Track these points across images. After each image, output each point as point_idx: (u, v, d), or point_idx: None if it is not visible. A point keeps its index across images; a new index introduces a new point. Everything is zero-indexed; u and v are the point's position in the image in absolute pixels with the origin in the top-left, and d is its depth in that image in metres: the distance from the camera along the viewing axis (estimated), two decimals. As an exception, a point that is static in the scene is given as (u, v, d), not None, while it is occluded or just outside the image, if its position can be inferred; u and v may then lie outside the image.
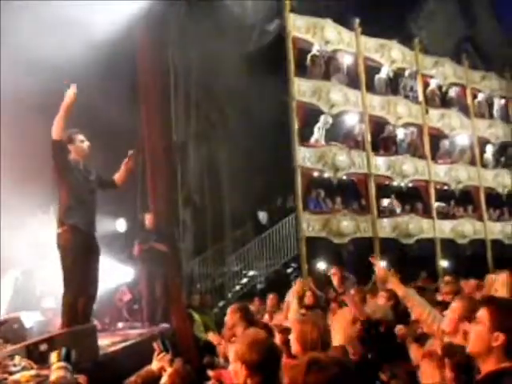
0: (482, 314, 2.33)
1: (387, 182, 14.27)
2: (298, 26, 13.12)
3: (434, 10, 20.97)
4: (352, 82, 13.88)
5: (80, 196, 5.42)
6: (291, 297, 4.92)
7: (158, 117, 9.00)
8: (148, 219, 8.70)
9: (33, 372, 4.06)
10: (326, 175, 13.09)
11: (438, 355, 2.86)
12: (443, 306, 4.34)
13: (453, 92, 16.34)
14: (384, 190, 14.43)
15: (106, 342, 5.63)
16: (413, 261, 13.85)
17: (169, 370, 3.15)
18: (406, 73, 15.21)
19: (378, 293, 6.00)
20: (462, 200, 16.00)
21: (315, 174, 13.05)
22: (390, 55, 14.66)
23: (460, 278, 9.17)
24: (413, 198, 15.04)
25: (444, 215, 15.29)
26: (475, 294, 6.47)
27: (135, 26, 8.60)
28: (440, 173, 15.22)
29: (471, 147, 16.27)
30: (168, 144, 9.47)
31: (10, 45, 7.64)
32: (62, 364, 3.19)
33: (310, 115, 13.05)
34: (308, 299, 6.48)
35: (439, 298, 6.59)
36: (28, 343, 4.61)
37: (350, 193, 14.31)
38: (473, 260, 15.10)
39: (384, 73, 14.69)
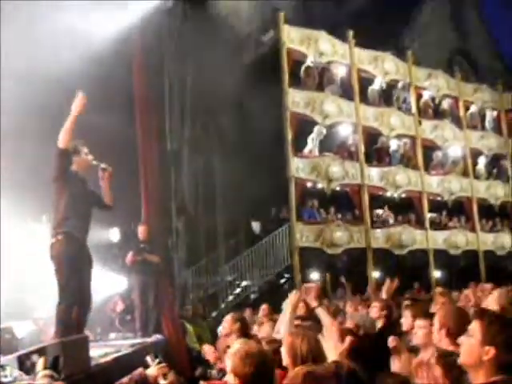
0: (474, 327, 2.35)
1: (380, 193, 14.32)
2: (293, 37, 13.19)
3: (427, 22, 21.19)
4: (346, 93, 13.95)
5: (78, 207, 5.41)
6: (286, 308, 4.90)
7: (153, 126, 9.00)
8: (140, 230, 8.67)
9: (24, 383, 4.03)
10: (319, 186, 13.12)
11: (431, 364, 2.87)
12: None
13: (446, 104, 16.46)
14: (377, 200, 14.48)
15: (98, 353, 5.59)
16: (406, 271, 13.87)
17: (162, 382, 3.14)
18: (400, 84, 15.30)
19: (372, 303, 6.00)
20: (455, 211, 16.07)
21: (309, 184, 13.09)
22: (384, 67, 14.75)
23: (452, 289, 9.23)
24: (406, 208, 15.10)
25: (437, 226, 15.35)
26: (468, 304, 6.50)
27: (131, 37, 8.62)
28: (433, 184, 15.29)
29: (464, 158, 16.37)
30: (162, 153, 9.47)
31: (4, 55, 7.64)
32: (48, 372, 3.18)
33: (304, 126, 13.11)
34: (300, 310, 6.46)
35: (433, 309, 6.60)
36: (20, 354, 4.58)
37: (344, 203, 14.36)
38: (465, 271, 15.15)
39: (377, 84, 14.78)
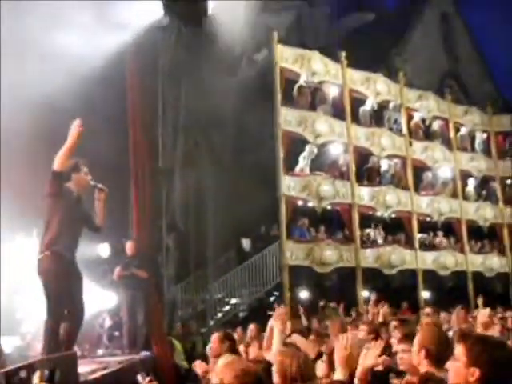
0: (458, 350, 2.39)
1: (371, 213, 14.38)
2: (286, 56, 13.31)
3: (419, 44, 21.47)
4: (337, 113, 14.07)
5: (69, 225, 5.39)
6: (273, 325, 4.91)
7: (145, 142, 9.03)
8: (128, 246, 8.66)
9: (11, 399, 4.01)
10: (310, 204, 13.17)
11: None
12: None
13: (436, 125, 16.62)
14: (367, 220, 14.54)
15: (86, 369, 5.57)
16: (395, 291, 13.92)
17: None
18: (391, 105, 15.46)
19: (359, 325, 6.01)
20: (444, 232, 16.15)
21: (299, 202, 13.13)
22: (375, 88, 14.90)
23: (441, 310, 9.26)
24: (395, 228, 15.17)
25: (426, 247, 15.41)
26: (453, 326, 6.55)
27: (126, 54, 8.68)
28: (422, 204, 15.38)
29: (453, 180, 16.49)
30: (154, 169, 9.49)
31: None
32: None
33: (296, 145, 13.19)
34: (289, 328, 6.47)
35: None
36: (7, 370, 4.55)
37: (334, 222, 14.41)
38: (454, 292, 15.21)
39: (369, 105, 14.92)
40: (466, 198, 16.70)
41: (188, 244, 13.37)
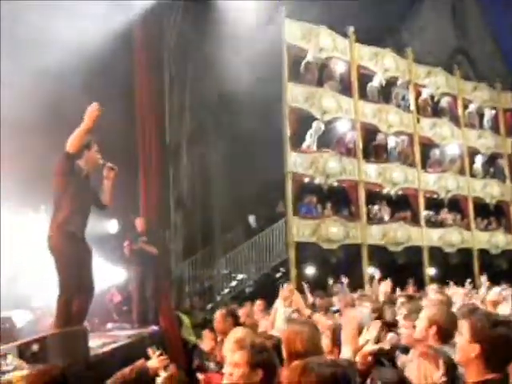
0: (463, 325, 2.44)
1: (377, 190, 14.39)
2: (294, 31, 13.24)
3: (428, 19, 21.17)
4: (345, 89, 14.00)
5: (79, 203, 5.42)
6: (278, 303, 4.97)
7: (152, 120, 9.05)
8: (138, 223, 8.72)
9: (25, 372, 4.09)
10: (316, 181, 13.18)
11: (433, 356, 2.93)
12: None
13: (444, 102, 16.52)
14: (374, 197, 14.55)
15: (96, 343, 5.67)
16: (400, 268, 13.97)
17: (163, 374, 3.20)
18: (399, 82, 15.36)
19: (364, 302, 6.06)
20: (451, 209, 16.15)
21: (306, 179, 13.15)
22: (383, 64, 14.80)
23: (446, 286, 9.31)
24: (402, 205, 15.17)
25: (432, 223, 15.43)
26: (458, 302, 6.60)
27: (132, 30, 8.65)
28: (429, 181, 15.38)
29: (461, 157, 16.46)
30: (161, 147, 9.50)
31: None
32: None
33: (303, 121, 13.15)
34: (295, 304, 6.54)
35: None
36: (20, 343, 4.64)
37: (341, 199, 14.42)
38: (460, 268, 15.25)
39: (377, 81, 14.83)
40: (473, 175, 16.68)
41: (195, 220, 13.42)
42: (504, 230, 16.83)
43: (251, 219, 15.26)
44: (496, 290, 4.54)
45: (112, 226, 11.27)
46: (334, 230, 12.96)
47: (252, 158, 12.84)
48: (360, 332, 3.25)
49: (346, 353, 2.95)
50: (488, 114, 17.67)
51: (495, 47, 24.29)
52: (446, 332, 3.28)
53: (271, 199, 14.80)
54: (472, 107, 17.28)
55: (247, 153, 12.81)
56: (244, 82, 12.19)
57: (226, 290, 13.71)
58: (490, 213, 17.00)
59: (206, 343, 5.79)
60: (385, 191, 14.52)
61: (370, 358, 3.05)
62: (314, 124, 13.30)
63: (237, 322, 5.09)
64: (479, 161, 17.09)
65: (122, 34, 8.54)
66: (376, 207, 14.71)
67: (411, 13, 21.05)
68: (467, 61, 22.02)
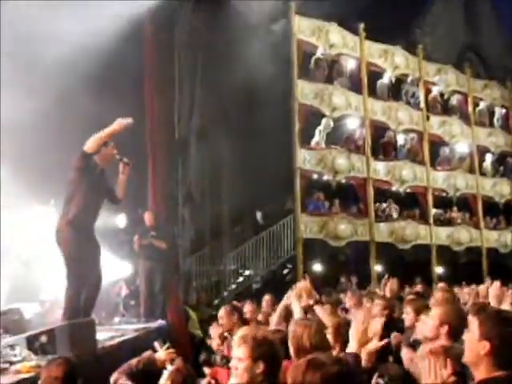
0: (473, 323, 2.42)
1: (386, 187, 14.35)
2: (303, 28, 13.19)
3: (439, 16, 21.06)
4: (354, 86, 13.95)
5: (91, 199, 5.46)
6: (292, 301, 4.94)
7: (162, 114, 9.06)
8: (147, 217, 8.75)
9: (33, 363, 4.13)
10: (325, 178, 13.17)
11: (443, 354, 2.91)
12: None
13: (454, 100, 16.43)
14: (382, 194, 14.51)
15: (103, 336, 5.71)
16: (408, 266, 13.94)
17: (170, 367, 3.21)
18: (409, 79, 15.28)
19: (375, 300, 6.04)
20: (460, 207, 16.08)
21: (314, 176, 13.13)
22: (394, 61, 14.73)
23: (454, 285, 9.29)
24: (410, 203, 15.13)
25: (441, 222, 15.37)
26: (469, 301, 6.58)
27: (142, 24, 8.66)
28: (438, 179, 15.31)
29: (471, 155, 16.36)
30: (170, 141, 9.52)
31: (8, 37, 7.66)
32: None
33: (312, 118, 13.13)
34: (304, 301, 6.52)
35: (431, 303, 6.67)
36: (28, 334, 4.69)
37: (349, 196, 14.40)
38: (468, 267, 15.20)
39: (386, 78, 14.77)
40: (482, 173, 16.58)
41: (203, 216, 13.45)
42: (513, 229, 16.75)
43: (259, 215, 15.27)
44: (496, 284, 4.51)
45: (120, 220, 11.32)
46: (342, 227, 12.93)
47: (261, 154, 12.83)
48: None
49: (352, 348, 2.96)
50: (498, 112, 17.56)
51: (506, 45, 24.12)
52: (457, 330, 3.27)
53: (280, 195, 14.80)
54: (482, 105, 17.17)
55: (256, 148, 12.80)
56: (254, 78, 12.20)
57: (233, 286, 13.73)
58: (499, 212, 16.90)
59: (212, 338, 5.80)
60: (393, 189, 14.47)
61: (374, 355, 3.06)
62: (323, 121, 13.28)
63: (242, 318, 5.10)
64: (489, 159, 16.99)
65: (133, 30, 8.55)
66: (384, 205, 14.68)
67: (422, 10, 20.95)
68: (478, 58, 21.91)
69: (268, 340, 2.86)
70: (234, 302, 7.08)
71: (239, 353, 2.74)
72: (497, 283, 4.43)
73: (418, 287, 10.55)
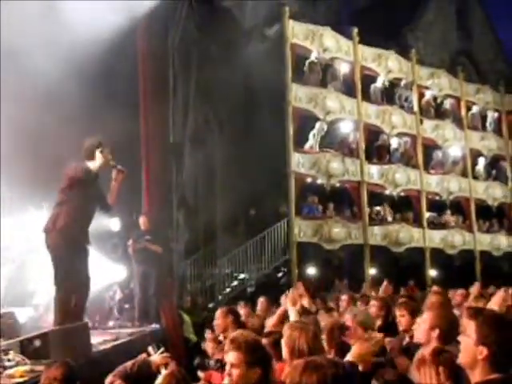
0: (470, 326, 2.41)
1: (379, 191, 14.39)
2: (297, 32, 13.22)
3: (432, 21, 21.18)
4: (348, 90, 14.00)
5: (84, 208, 5.44)
6: (287, 304, 4.95)
7: (156, 118, 9.07)
8: (142, 221, 8.74)
9: (27, 367, 4.12)
10: (319, 181, 13.19)
11: (433, 361, 2.92)
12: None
13: (447, 104, 16.51)
14: (376, 198, 14.55)
15: (98, 340, 5.69)
16: (402, 269, 13.99)
17: (164, 371, 3.21)
18: (402, 83, 15.35)
19: (370, 301, 6.07)
20: (453, 211, 16.14)
21: (309, 179, 13.15)
22: (387, 65, 14.80)
23: (448, 288, 9.31)
24: (404, 206, 15.17)
25: (434, 225, 15.42)
26: (462, 304, 6.60)
27: (136, 29, 8.66)
28: (432, 183, 15.36)
29: (463, 159, 16.44)
30: (164, 145, 9.53)
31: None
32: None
33: (306, 121, 13.16)
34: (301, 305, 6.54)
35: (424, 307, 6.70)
36: (22, 338, 4.66)
37: (343, 200, 14.42)
38: (461, 270, 15.25)
39: (380, 82, 14.83)
40: (475, 177, 16.67)
41: (197, 219, 13.45)
42: (506, 232, 16.82)
43: (253, 219, 15.27)
44: (500, 293, 4.54)
45: (114, 223, 11.29)
46: (336, 231, 12.96)
47: (255, 158, 12.86)
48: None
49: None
50: (491, 116, 17.66)
51: (499, 50, 24.28)
52: (448, 334, 3.28)
53: (274, 199, 14.81)
54: (475, 109, 17.27)
55: (250, 152, 12.82)
56: (248, 82, 12.23)
57: (228, 290, 13.72)
58: (492, 215, 16.98)
59: (209, 344, 5.81)
60: (387, 192, 14.51)
61: (370, 360, 3.07)
62: (317, 124, 13.31)
63: (238, 321, 5.10)
64: (482, 163, 17.08)
65: (127, 35, 8.55)
66: (378, 208, 14.72)
67: (415, 15, 21.06)
68: (470, 63, 22.02)
69: (261, 344, 2.88)
70: (232, 306, 7.08)
71: (232, 358, 2.76)
72: (501, 292, 4.45)
73: (408, 290, 10.59)
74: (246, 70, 12.65)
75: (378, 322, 5.41)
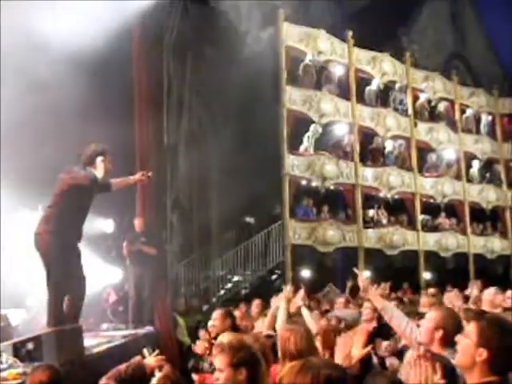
0: (471, 328, 2.40)
1: (374, 193, 14.40)
2: (292, 34, 13.22)
3: (426, 24, 21.27)
4: (343, 92, 14.01)
5: (78, 213, 5.41)
6: (279, 304, 4.96)
7: (151, 119, 9.03)
8: (137, 223, 8.72)
9: (20, 370, 4.09)
10: (313, 184, 13.19)
11: (432, 359, 2.90)
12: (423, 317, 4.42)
13: (441, 107, 16.55)
14: (370, 200, 14.57)
15: (91, 343, 5.66)
16: (396, 272, 14.00)
17: (158, 374, 3.20)
18: (397, 86, 15.37)
19: (363, 303, 6.08)
20: (447, 213, 16.18)
21: (303, 182, 13.15)
22: (382, 68, 14.82)
23: (442, 291, 9.33)
24: (398, 209, 15.19)
25: (428, 228, 15.45)
26: (455, 305, 6.61)
27: (131, 30, 8.64)
28: (426, 186, 15.39)
29: (457, 162, 16.47)
30: (159, 146, 9.49)
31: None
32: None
33: (300, 124, 13.16)
34: (293, 307, 6.54)
35: (422, 309, 6.71)
36: (15, 341, 4.64)
37: (337, 202, 14.44)
38: (455, 273, 15.29)
39: (375, 85, 14.85)
40: (469, 180, 16.70)
41: (191, 221, 13.44)
42: (499, 236, 16.85)
43: (248, 221, 15.27)
44: (491, 289, 4.52)
45: (108, 225, 11.26)
46: (330, 233, 12.95)
47: (249, 160, 12.84)
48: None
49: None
50: (485, 119, 17.71)
51: (493, 53, 24.41)
52: (451, 337, 3.25)
53: (268, 201, 14.82)
54: (469, 112, 17.31)
55: (245, 154, 12.81)
56: (243, 84, 12.22)
57: (222, 292, 13.71)
58: (485, 218, 17.02)
59: (200, 344, 5.77)
60: (381, 195, 14.53)
61: (358, 362, 3.08)
62: (312, 127, 13.32)
63: (234, 323, 5.08)
64: (476, 166, 17.12)
65: (121, 35, 8.52)
66: (372, 211, 14.74)
67: (410, 18, 21.15)
68: (465, 66, 22.13)
69: (245, 345, 2.86)
70: (229, 308, 7.06)
71: (218, 362, 2.78)
72: (491, 289, 4.46)
73: (402, 293, 10.62)
74: (241, 72, 12.63)
75: (372, 325, 5.42)
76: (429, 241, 15.10)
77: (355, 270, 4.40)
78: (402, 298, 11.17)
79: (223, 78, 12.37)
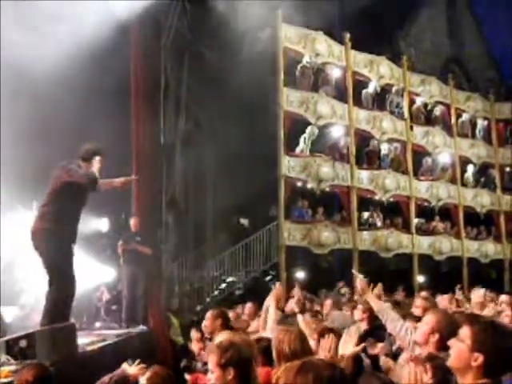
0: (465, 332, 2.40)
1: (369, 196, 14.42)
2: (290, 36, 13.23)
3: (424, 28, 21.33)
4: (340, 95, 14.03)
5: (74, 211, 5.41)
6: (269, 303, 4.98)
7: (147, 119, 9.03)
8: (133, 222, 8.72)
9: (12, 367, 4.09)
10: (309, 186, 13.20)
11: (423, 361, 2.91)
12: (418, 320, 4.43)
13: (438, 111, 16.58)
14: (366, 203, 14.59)
15: (84, 341, 5.66)
16: (391, 274, 14.01)
17: (143, 380, 3.21)
18: (393, 89, 15.40)
19: (357, 305, 6.09)
20: (441, 217, 16.22)
21: (299, 183, 13.15)
22: (379, 71, 14.85)
23: (435, 294, 9.35)
24: (393, 212, 15.22)
25: (423, 231, 15.48)
26: (449, 308, 6.64)
27: (128, 29, 8.64)
28: (421, 189, 15.42)
29: (453, 166, 16.51)
30: (155, 146, 9.50)
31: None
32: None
33: (297, 125, 13.17)
34: (289, 306, 6.56)
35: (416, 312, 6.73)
36: (8, 339, 4.63)
37: (332, 204, 14.45)
38: (449, 277, 15.32)
39: (371, 88, 14.87)
40: (464, 184, 16.74)
41: (187, 221, 13.43)
42: (493, 240, 16.91)
43: (243, 222, 15.28)
44: (480, 291, 4.53)
45: (103, 224, 11.25)
46: (325, 235, 12.95)
47: (245, 161, 12.85)
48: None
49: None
50: (480, 123, 17.76)
51: (489, 58, 24.49)
52: (446, 341, 3.26)
53: (263, 202, 14.82)
54: (465, 117, 17.36)
55: (241, 155, 12.82)
56: (240, 85, 12.23)
57: (216, 292, 13.70)
58: (480, 222, 17.07)
59: (193, 344, 5.79)
60: (377, 198, 14.55)
61: (350, 362, 3.09)
62: (308, 128, 13.32)
63: (227, 324, 5.09)
64: (471, 170, 17.17)
65: (119, 35, 8.53)
66: (367, 213, 14.75)
67: (407, 21, 21.21)
68: (461, 70, 22.19)
69: (234, 344, 2.87)
70: (223, 308, 7.06)
71: (209, 363, 2.80)
72: (480, 291, 4.47)
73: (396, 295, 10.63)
74: (238, 73, 12.64)
75: (364, 326, 5.44)
76: (423, 244, 15.13)
77: (353, 272, 4.42)
78: (399, 301, 11.18)
79: (221, 78, 12.37)
